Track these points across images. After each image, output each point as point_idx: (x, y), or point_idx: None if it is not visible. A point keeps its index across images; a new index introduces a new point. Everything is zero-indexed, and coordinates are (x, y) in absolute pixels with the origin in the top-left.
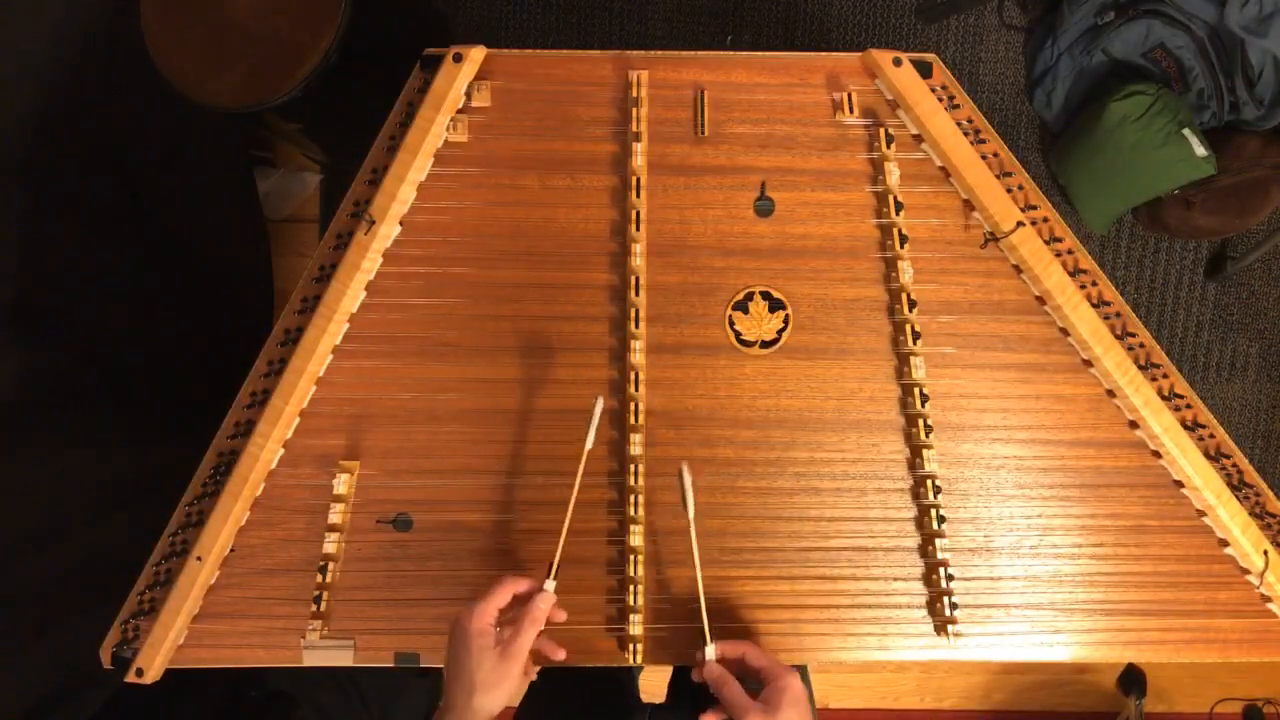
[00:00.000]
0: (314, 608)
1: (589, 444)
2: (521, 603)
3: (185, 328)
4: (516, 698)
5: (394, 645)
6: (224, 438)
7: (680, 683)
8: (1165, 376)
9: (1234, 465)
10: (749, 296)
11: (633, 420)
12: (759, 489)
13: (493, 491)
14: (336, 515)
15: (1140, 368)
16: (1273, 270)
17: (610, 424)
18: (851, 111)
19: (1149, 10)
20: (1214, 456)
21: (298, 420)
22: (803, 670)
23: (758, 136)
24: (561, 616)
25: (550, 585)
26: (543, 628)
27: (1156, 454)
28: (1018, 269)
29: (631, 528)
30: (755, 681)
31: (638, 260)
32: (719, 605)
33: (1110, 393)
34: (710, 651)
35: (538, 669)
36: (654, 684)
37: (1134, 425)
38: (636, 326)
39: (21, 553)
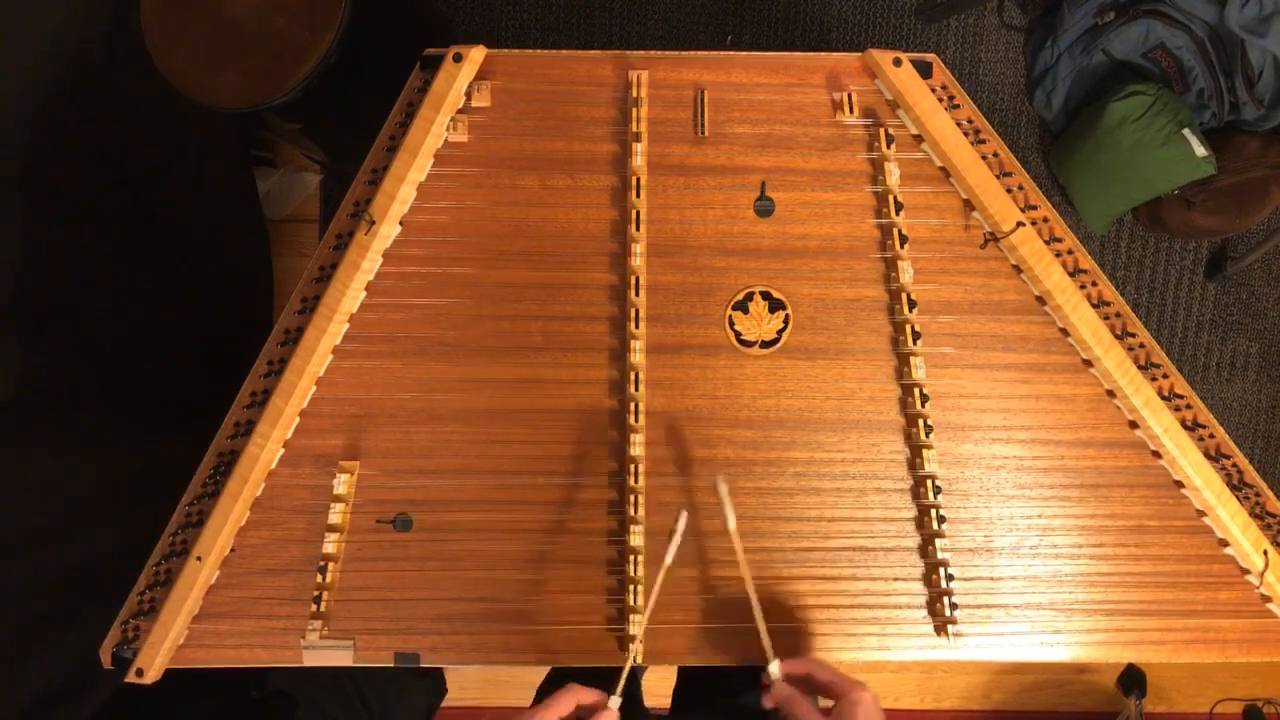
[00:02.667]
0: (314, 608)
1: (669, 560)
2: (584, 713)
3: (185, 328)
4: None
5: (394, 645)
6: (224, 438)
7: (684, 689)
8: (1165, 376)
9: (1234, 465)
10: (749, 296)
11: (633, 420)
12: (759, 489)
13: (493, 491)
14: (336, 515)
15: (1140, 368)
16: (1273, 270)
17: (610, 424)
18: (851, 111)
19: (1149, 10)
20: (1214, 456)
21: (298, 420)
22: None
23: (758, 136)
24: None
25: (615, 703)
26: None
27: (1156, 454)
28: (1018, 269)
29: (631, 528)
30: (823, 696)
31: (638, 260)
32: (718, 605)
33: (1110, 393)
34: (775, 670)
35: None
36: (654, 683)
37: (1134, 425)
38: (636, 326)
39: (21, 553)
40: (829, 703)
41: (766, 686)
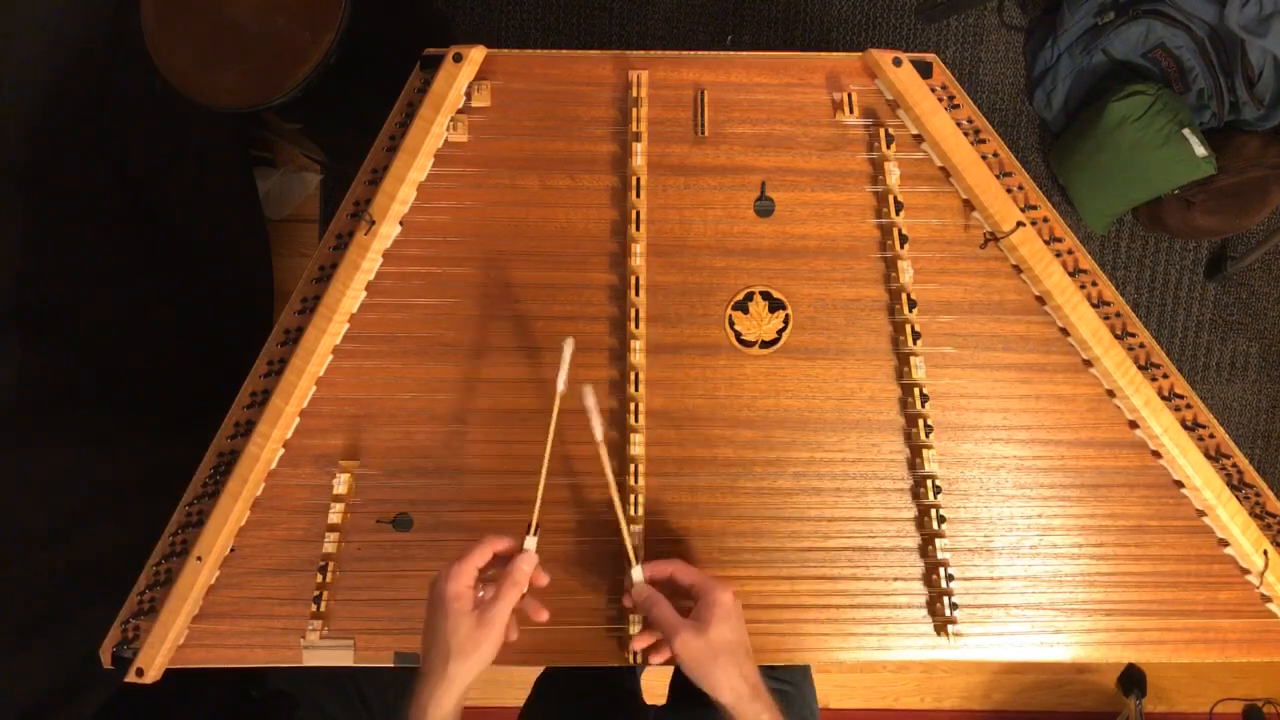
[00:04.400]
0: (314, 608)
1: (560, 386)
2: (503, 561)
3: (185, 328)
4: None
5: (394, 645)
6: (224, 438)
7: (681, 683)
8: (1165, 376)
9: (1234, 465)
10: (749, 296)
11: (633, 420)
12: (759, 489)
13: (493, 491)
14: (336, 515)
15: (1140, 368)
16: (1273, 270)
17: (610, 424)
18: (851, 111)
19: (1149, 10)
20: (1214, 456)
21: (298, 420)
22: (804, 670)
23: (758, 136)
24: (543, 580)
25: (530, 544)
26: (525, 590)
27: (1156, 454)
28: (1018, 269)
29: (631, 527)
30: (687, 599)
31: (638, 260)
32: None
33: (1110, 393)
34: (637, 573)
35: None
36: (653, 682)
37: (1134, 425)
38: (636, 326)
39: (21, 553)
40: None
41: (628, 590)
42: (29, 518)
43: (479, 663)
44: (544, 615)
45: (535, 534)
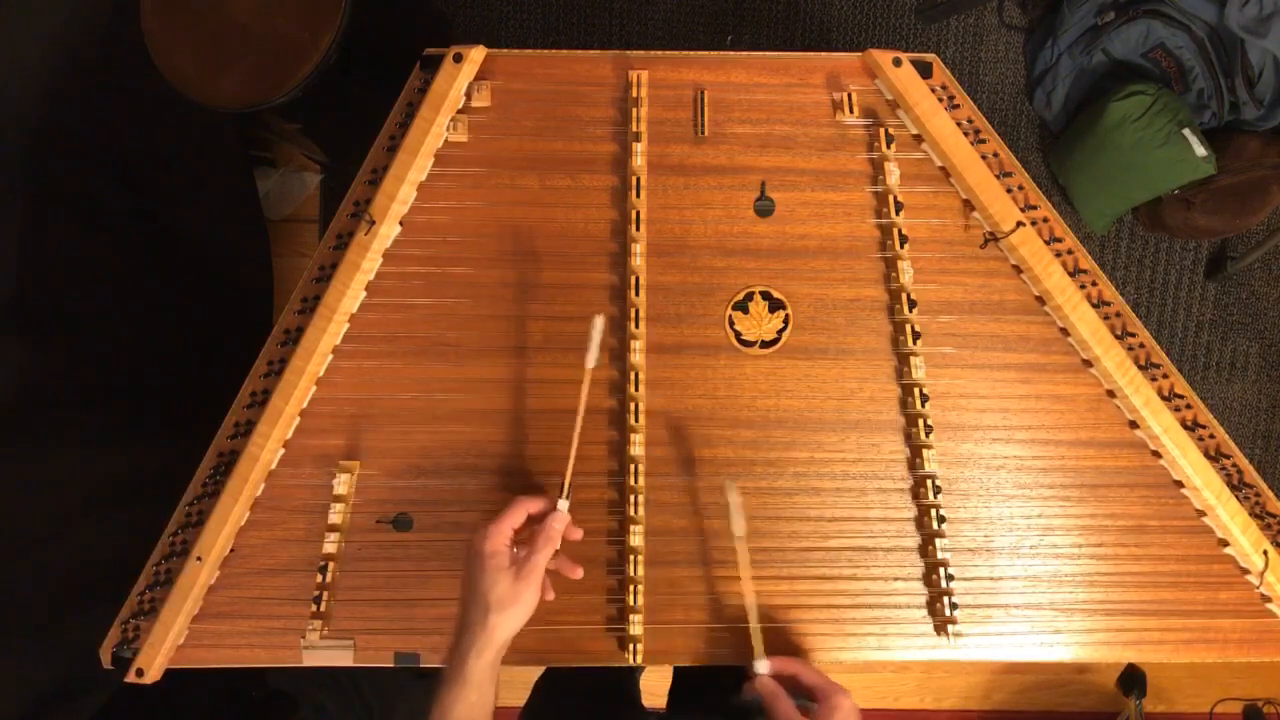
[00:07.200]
0: (314, 608)
1: (591, 363)
2: (536, 522)
3: (185, 328)
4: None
5: (394, 645)
6: (224, 438)
7: (680, 689)
8: (1165, 376)
9: (1234, 465)
10: (749, 296)
11: (633, 420)
12: (759, 489)
13: (493, 492)
14: (336, 515)
15: (1140, 368)
16: (1273, 270)
17: (610, 424)
18: (851, 111)
19: (1149, 10)
20: (1214, 456)
21: (298, 420)
22: None
23: (758, 136)
24: (577, 535)
25: (563, 505)
26: (558, 547)
27: (1156, 454)
28: (1018, 269)
29: (631, 528)
30: (806, 699)
31: (638, 260)
32: (718, 605)
33: (1110, 393)
34: (762, 665)
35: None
36: (654, 683)
37: (1134, 425)
38: (636, 326)
39: (21, 553)
40: None
41: (751, 678)
42: (29, 518)
43: (519, 614)
44: (578, 572)
45: (568, 497)
